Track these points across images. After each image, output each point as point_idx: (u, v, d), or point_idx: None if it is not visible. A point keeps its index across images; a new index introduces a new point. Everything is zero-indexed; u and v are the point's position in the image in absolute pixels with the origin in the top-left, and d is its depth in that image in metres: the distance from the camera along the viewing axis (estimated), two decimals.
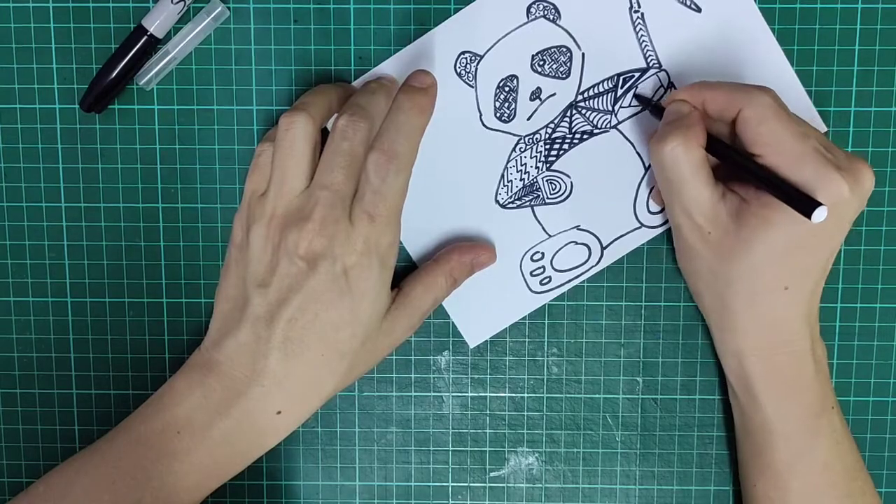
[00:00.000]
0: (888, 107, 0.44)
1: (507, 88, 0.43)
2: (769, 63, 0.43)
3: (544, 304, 0.45)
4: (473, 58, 0.43)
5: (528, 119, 0.44)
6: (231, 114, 0.44)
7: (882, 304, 0.45)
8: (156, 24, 0.42)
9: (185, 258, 0.45)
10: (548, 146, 0.44)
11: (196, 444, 0.39)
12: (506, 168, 0.44)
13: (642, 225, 0.44)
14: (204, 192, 0.45)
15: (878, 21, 0.43)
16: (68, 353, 0.46)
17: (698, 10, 0.43)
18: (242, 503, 0.47)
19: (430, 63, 0.43)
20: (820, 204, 0.36)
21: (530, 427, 0.46)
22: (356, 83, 0.44)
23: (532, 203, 0.44)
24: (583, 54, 0.43)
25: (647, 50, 0.43)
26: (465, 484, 0.47)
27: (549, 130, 0.44)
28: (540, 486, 0.47)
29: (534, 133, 0.44)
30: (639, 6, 0.43)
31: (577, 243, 0.45)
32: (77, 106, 0.44)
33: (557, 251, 0.45)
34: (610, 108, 0.43)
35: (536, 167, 0.44)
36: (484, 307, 0.45)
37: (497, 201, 0.44)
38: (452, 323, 0.46)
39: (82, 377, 0.46)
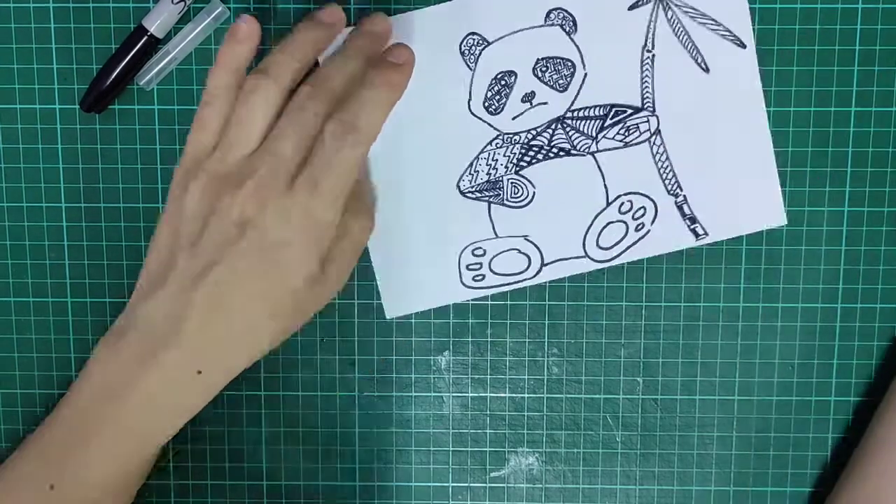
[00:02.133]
0: (888, 107, 0.44)
1: (503, 82, 0.43)
2: (752, 140, 0.43)
3: (544, 306, 0.45)
4: (481, 41, 0.43)
5: (514, 119, 0.44)
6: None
7: (882, 304, 0.45)
8: (156, 24, 0.42)
9: None
10: (523, 150, 0.44)
11: (119, 408, 0.38)
12: (477, 158, 0.44)
13: (587, 255, 0.45)
14: None
15: (878, 21, 0.43)
16: (68, 353, 0.46)
17: (706, 70, 0.43)
18: (242, 503, 0.47)
19: (438, 32, 0.43)
20: None
21: (530, 427, 0.46)
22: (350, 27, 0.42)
23: (490, 199, 0.44)
24: (585, 74, 0.43)
25: (647, 91, 0.43)
26: (465, 484, 0.47)
27: (530, 136, 0.44)
28: (540, 486, 0.47)
29: (514, 133, 0.44)
30: (652, 47, 0.43)
31: (519, 252, 0.45)
32: (77, 106, 0.44)
33: (499, 254, 0.45)
34: (593, 135, 0.44)
35: (506, 167, 0.44)
36: (412, 283, 0.45)
37: (458, 186, 0.44)
38: (453, 323, 0.46)
39: None
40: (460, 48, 0.43)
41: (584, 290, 0.45)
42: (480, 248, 0.45)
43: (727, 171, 0.44)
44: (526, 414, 0.46)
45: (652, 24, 0.43)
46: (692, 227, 0.44)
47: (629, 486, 0.47)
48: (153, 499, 0.46)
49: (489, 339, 0.46)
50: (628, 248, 0.44)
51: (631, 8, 0.43)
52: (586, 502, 0.47)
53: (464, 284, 0.45)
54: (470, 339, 0.46)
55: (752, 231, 0.44)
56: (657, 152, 0.44)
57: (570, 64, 0.43)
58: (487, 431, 0.47)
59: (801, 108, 0.44)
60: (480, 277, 0.45)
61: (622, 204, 0.44)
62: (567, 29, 0.43)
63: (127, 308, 0.40)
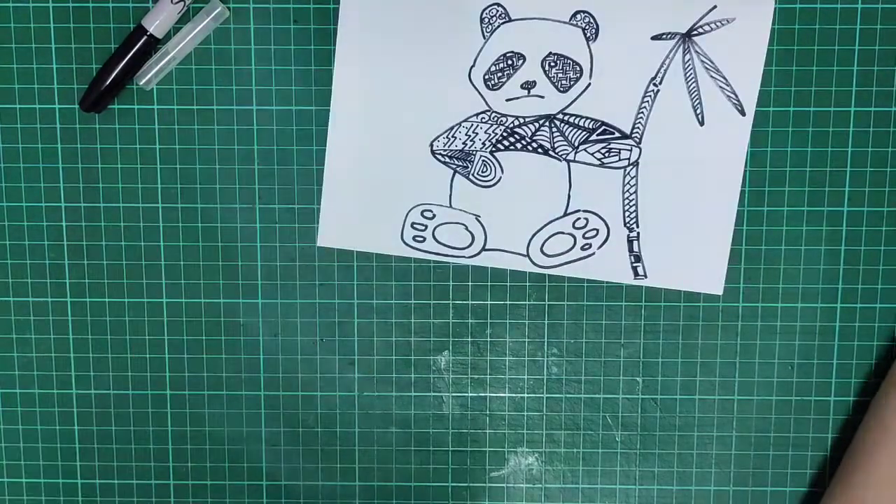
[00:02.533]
0: (888, 107, 0.44)
1: (510, 62, 0.43)
2: (720, 206, 0.44)
3: (544, 306, 0.45)
4: (503, 15, 0.43)
5: (508, 100, 0.44)
6: (231, 114, 0.44)
7: (882, 304, 0.45)
8: (156, 24, 0.42)
9: (185, 258, 0.45)
10: (505, 133, 0.44)
11: None
12: (459, 125, 0.44)
13: (528, 256, 0.45)
14: (204, 192, 0.45)
15: (878, 21, 0.43)
16: (68, 353, 0.46)
17: (701, 123, 0.43)
18: (242, 503, 0.47)
19: None
20: None
21: (530, 427, 0.46)
22: None
23: (457, 169, 0.44)
24: (589, 84, 0.43)
25: (640, 121, 0.43)
26: (465, 484, 0.47)
27: (516, 122, 0.44)
28: (540, 486, 0.47)
29: (503, 115, 0.44)
30: (660, 82, 0.43)
31: (466, 228, 0.45)
32: (77, 106, 0.44)
33: (446, 223, 0.45)
34: (575, 144, 0.44)
35: (483, 143, 0.44)
36: (354, 221, 0.45)
37: (431, 145, 0.44)
38: (452, 323, 0.46)
39: (82, 377, 0.46)
40: (481, 14, 0.43)
41: (584, 289, 0.45)
42: (430, 210, 0.45)
43: (686, 225, 0.44)
44: (526, 414, 0.46)
45: (668, 60, 0.43)
46: (635, 265, 0.45)
47: (629, 486, 0.47)
48: (153, 499, 0.46)
49: (489, 339, 0.46)
50: (568, 262, 0.45)
51: (654, 38, 0.43)
52: (586, 502, 0.47)
53: (403, 241, 0.45)
54: (469, 339, 0.46)
55: (687, 290, 0.45)
56: (628, 182, 0.44)
57: (578, 68, 0.43)
58: (487, 431, 0.47)
59: (801, 108, 0.44)
60: (421, 239, 0.45)
61: (578, 219, 0.44)
62: (588, 34, 0.43)
63: None
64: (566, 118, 0.44)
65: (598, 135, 0.43)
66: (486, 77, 0.43)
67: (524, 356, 0.46)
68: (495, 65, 0.43)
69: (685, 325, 0.46)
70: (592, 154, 0.44)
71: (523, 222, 0.45)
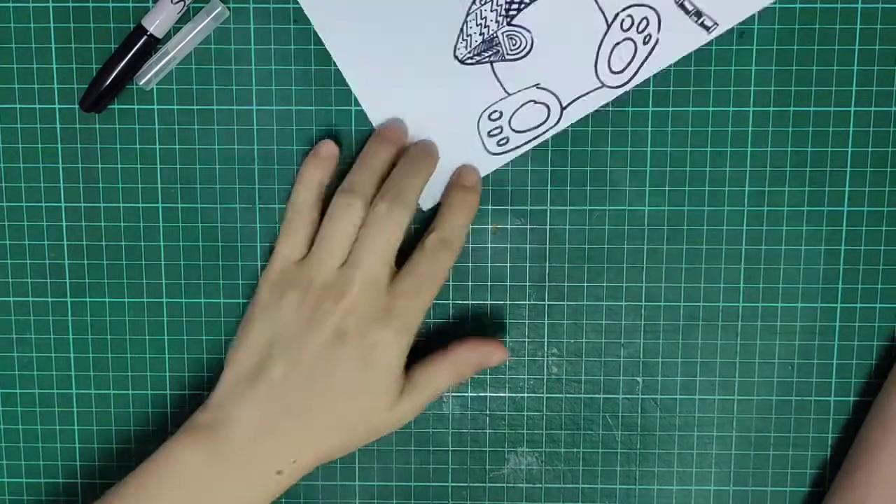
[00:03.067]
0: (888, 107, 0.44)
1: None
2: None
3: (544, 306, 0.46)
4: None
5: None
6: (231, 114, 0.44)
7: (882, 304, 0.45)
8: (156, 24, 0.42)
9: (185, 258, 0.45)
10: (509, 0, 0.43)
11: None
12: (465, 22, 0.43)
13: (603, 84, 0.43)
14: (204, 192, 0.45)
15: (878, 21, 0.43)
16: (68, 353, 0.46)
17: None
18: None
19: None
20: None
21: (530, 427, 0.46)
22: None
23: (491, 59, 0.43)
24: None
25: None
26: (465, 484, 0.47)
27: None
28: (540, 486, 0.47)
29: None
30: None
31: (536, 102, 0.44)
32: (77, 106, 0.44)
33: (516, 110, 0.44)
34: None
35: (497, 21, 0.43)
36: (439, 168, 0.44)
37: (456, 56, 0.43)
38: (452, 323, 0.46)
39: (82, 377, 0.46)
40: None
41: (584, 289, 0.45)
42: (496, 110, 0.44)
43: None
44: (525, 414, 0.46)
45: None
46: (699, 21, 0.43)
47: (629, 485, 0.47)
48: None
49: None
50: (642, 63, 0.43)
51: None
52: (586, 502, 0.47)
53: (489, 152, 0.44)
54: None
55: (764, 6, 0.43)
56: None
57: None
58: (487, 431, 0.47)
59: (801, 108, 0.44)
60: (504, 141, 0.44)
61: (623, 21, 0.43)
62: None
63: (210, 401, 0.42)
64: None
65: None
66: None
67: (524, 356, 0.46)
68: None
69: (685, 325, 0.46)
70: None
71: (579, 59, 0.43)
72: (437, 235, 0.42)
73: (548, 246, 0.45)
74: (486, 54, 0.43)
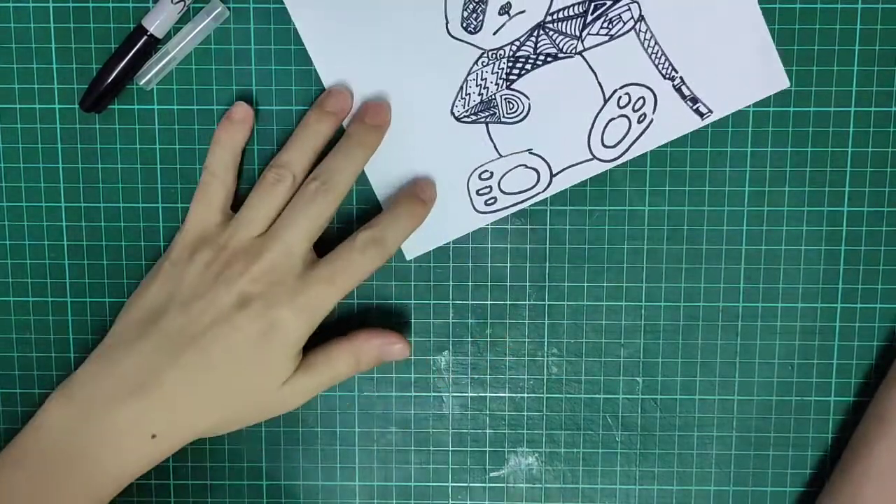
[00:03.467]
0: (888, 107, 0.44)
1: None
2: (740, 8, 0.43)
3: (544, 306, 0.46)
4: None
5: (494, 34, 0.43)
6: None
7: (882, 304, 0.45)
8: (156, 24, 0.42)
9: None
10: (510, 64, 0.43)
11: (63, 465, 0.39)
12: (465, 80, 0.44)
13: (594, 157, 0.44)
14: None
15: (878, 21, 0.43)
16: (68, 353, 0.46)
17: None
18: (242, 503, 0.47)
19: None
20: None
21: (530, 427, 0.46)
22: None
23: (487, 120, 0.44)
24: None
25: None
26: (465, 484, 0.47)
27: (514, 48, 0.43)
28: (540, 486, 0.47)
29: (498, 48, 0.43)
30: None
31: (526, 167, 0.44)
32: (77, 106, 0.44)
33: (506, 172, 0.44)
34: (577, 34, 0.43)
35: (496, 83, 0.44)
36: (426, 221, 0.44)
37: (452, 113, 0.44)
38: (452, 323, 0.46)
39: None
40: None
41: (584, 289, 0.45)
42: (487, 170, 0.44)
43: (719, 43, 0.43)
44: (525, 414, 0.46)
45: None
46: (695, 107, 0.43)
47: (629, 486, 0.47)
48: (153, 499, 0.46)
49: (489, 339, 0.46)
50: (634, 141, 0.44)
51: None
52: (586, 502, 0.47)
53: (477, 211, 0.45)
54: (469, 339, 0.46)
55: (758, 99, 0.44)
56: (645, 39, 0.43)
57: None
58: (487, 431, 0.47)
59: (801, 108, 0.44)
60: (492, 201, 0.45)
61: (620, 98, 0.44)
62: None
63: (94, 352, 0.41)
64: (555, 16, 0.43)
65: (592, 14, 0.43)
66: (465, 24, 0.43)
67: (524, 356, 0.46)
68: (465, 9, 0.43)
69: (685, 325, 0.46)
70: (597, 33, 0.43)
71: (573, 130, 0.44)
72: (371, 233, 0.41)
73: (548, 246, 0.45)
74: (483, 115, 0.44)
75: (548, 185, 0.44)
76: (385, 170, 0.44)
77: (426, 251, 0.45)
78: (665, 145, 0.44)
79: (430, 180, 0.44)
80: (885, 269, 0.45)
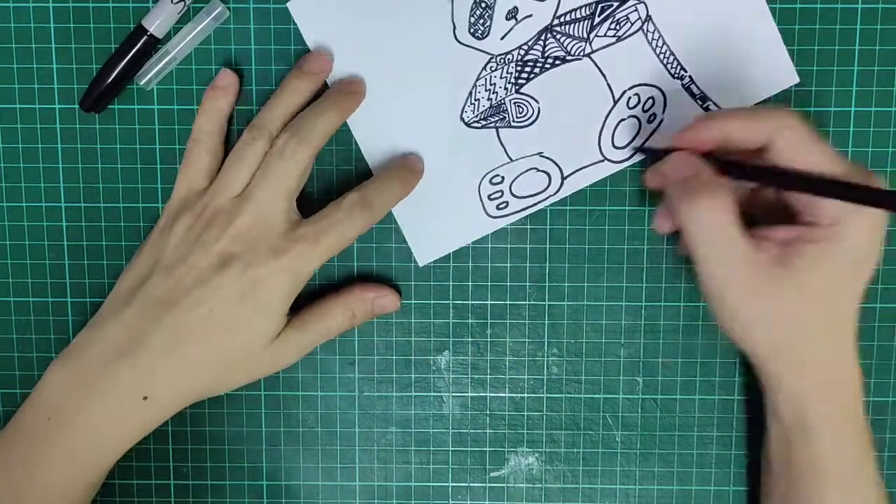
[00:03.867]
0: (888, 107, 0.44)
1: (483, 5, 0.43)
2: (747, 4, 0.43)
3: (544, 306, 0.46)
4: None
5: (502, 38, 0.43)
6: (231, 114, 0.44)
7: (882, 304, 0.45)
8: (156, 24, 0.42)
9: None
10: (519, 68, 0.43)
11: (63, 430, 0.39)
12: (475, 86, 0.44)
13: (605, 159, 0.44)
14: None
15: (878, 21, 0.43)
16: None
17: None
18: (242, 503, 0.47)
19: None
20: None
21: (530, 427, 0.46)
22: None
23: (497, 125, 0.44)
24: None
25: None
26: (465, 484, 0.47)
27: (522, 52, 0.43)
28: (540, 486, 0.47)
29: (506, 53, 0.43)
30: None
31: (538, 170, 0.44)
32: (77, 106, 0.44)
33: (517, 176, 0.44)
34: (585, 36, 0.43)
35: (505, 88, 0.44)
36: (438, 227, 0.45)
37: (462, 119, 0.44)
38: (452, 323, 0.46)
39: None
40: None
41: (584, 289, 0.45)
42: (498, 175, 0.44)
43: (727, 41, 0.43)
44: (526, 414, 0.46)
45: None
46: (704, 105, 0.43)
47: (629, 485, 0.47)
48: (153, 499, 0.47)
49: (489, 339, 0.46)
50: (645, 141, 0.44)
51: None
52: (586, 502, 0.47)
53: (489, 215, 0.45)
54: (470, 339, 0.46)
55: (768, 95, 0.44)
56: (652, 39, 0.43)
57: None
58: (487, 431, 0.47)
59: (801, 108, 0.44)
60: (504, 205, 0.45)
61: (629, 99, 0.44)
62: None
63: (89, 321, 0.42)
64: (562, 19, 0.43)
65: (599, 16, 0.43)
66: (472, 30, 0.43)
67: (524, 356, 0.46)
68: (472, 15, 0.43)
69: (685, 325, 0.46)
70: (605, 35, 0.43)
71: (583, 132, 0.44)
72: (359, 195, 0.41)
73: (548, 246, 0.45)
74: (493, 119, 0.44)
75: (559, 188, 0.44)
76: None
77: (438, 257, 0.45)
78: None
79: (419, 157, 0.44)
80: (884, 270, 0.45)
